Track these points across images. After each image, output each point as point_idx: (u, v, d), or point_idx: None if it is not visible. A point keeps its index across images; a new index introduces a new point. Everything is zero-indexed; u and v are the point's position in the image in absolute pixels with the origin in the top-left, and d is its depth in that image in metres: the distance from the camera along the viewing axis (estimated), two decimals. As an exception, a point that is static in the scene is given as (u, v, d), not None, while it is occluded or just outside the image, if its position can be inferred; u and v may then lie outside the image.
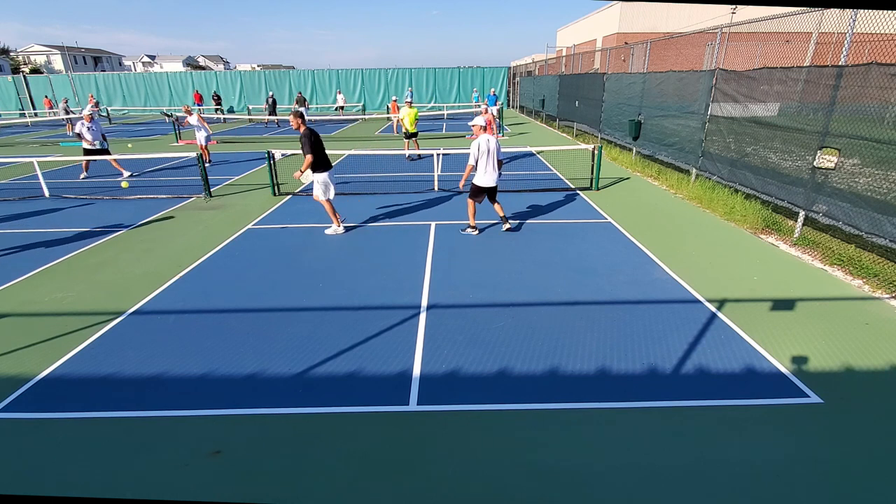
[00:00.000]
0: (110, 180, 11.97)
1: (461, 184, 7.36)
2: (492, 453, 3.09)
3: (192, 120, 13.80)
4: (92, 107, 14.25)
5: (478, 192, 7.11)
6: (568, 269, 6.01)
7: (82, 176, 12.37)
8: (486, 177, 6.93)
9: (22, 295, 5.54)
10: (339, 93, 30.63)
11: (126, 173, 12.24)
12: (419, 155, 13.85)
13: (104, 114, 30.00)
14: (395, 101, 23.03)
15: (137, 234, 7.71)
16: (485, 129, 6.93)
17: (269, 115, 24.65)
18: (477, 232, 7.29)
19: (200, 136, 13.73)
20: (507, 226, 7.32)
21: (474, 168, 6.98)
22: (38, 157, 11.06)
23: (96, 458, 3.11)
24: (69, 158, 14.11)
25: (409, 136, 13.75)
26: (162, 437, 3.28)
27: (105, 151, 12.17)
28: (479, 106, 27.11)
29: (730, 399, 3.53)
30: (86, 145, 11.87)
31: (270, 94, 27.11)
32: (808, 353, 4.09)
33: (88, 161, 12.27)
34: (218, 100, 30.08)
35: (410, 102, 15.15)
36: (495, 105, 21.95)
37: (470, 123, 7.08)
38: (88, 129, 11.84)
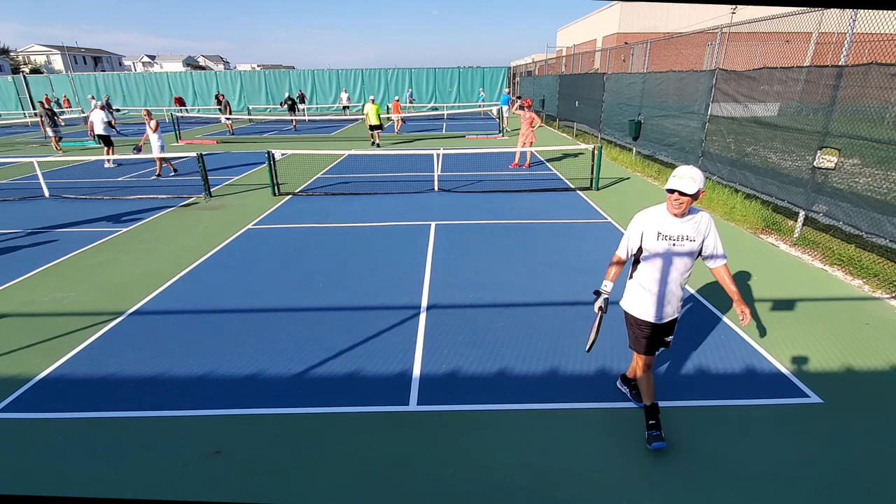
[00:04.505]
0: (110, 180, 11.98)
1: (596, 310, 3.04)
2: (491, 453, 3.09)
3: (149, 128, 11.96)
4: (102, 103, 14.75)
5: (642, 333, 3.11)
6: (568, 269, 6.01)
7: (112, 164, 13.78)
8: (648, 297, 3.02)
9: (22, 295, 5.54)
10: (345, 91, 30.60)
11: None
12: (379, 144, 17.12)
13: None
14: (398, 100, 23.19)
15: (137, 234, 7.71)
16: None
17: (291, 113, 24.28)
18: (657, 441, 3.05)
19: (155, 147, 11.93)
20: (657, 435, 3.06)
21: (632, 268, 3.15)
22: (38, 157, 11.05)
23: (96, 458, 3.11)
24: (69, 158, 14.11)
25: (374, 127, 16.91)
26: (162, 437, 3.28)
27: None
28: (483, 105, 27.10)
29: (730, 399, 3.53)
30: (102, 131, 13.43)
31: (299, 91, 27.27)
32: (808, 353, 4.08)
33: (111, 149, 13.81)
34: (223, 102, 23.52)
35: (373, 99, 17.77)
36: (507, 105, 21.96)
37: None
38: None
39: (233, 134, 22.28)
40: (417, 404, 3.55)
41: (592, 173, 10.06)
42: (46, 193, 10.22)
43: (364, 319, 4.79)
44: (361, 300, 5.21)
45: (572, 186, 10.29)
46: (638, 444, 3.14)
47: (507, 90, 31.82)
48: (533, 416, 3.41)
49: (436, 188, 10.21)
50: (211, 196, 9.98)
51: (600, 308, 3.02)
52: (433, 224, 7.83)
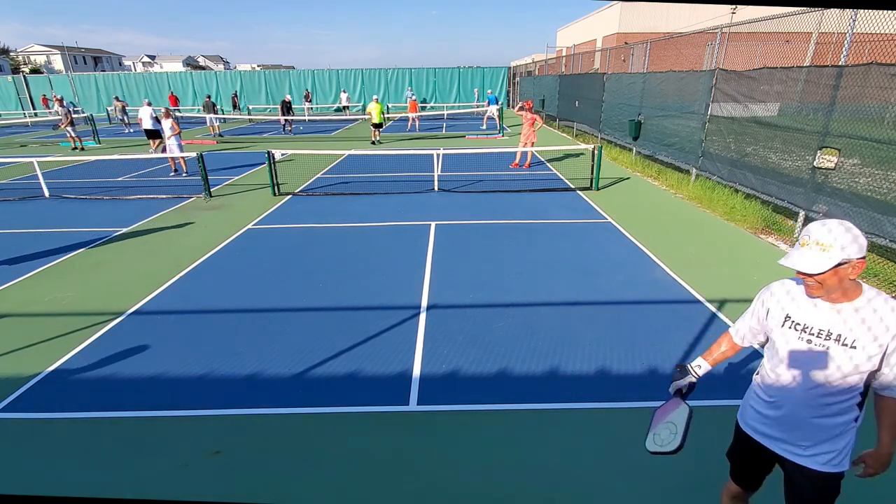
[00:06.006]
0: (110, 180, 11.98)
1: (672, 391, 2.37)
2: (492, 453, 3.09)
3: (166, 126, 12.03)
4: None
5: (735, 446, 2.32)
6: (568, 269, 6.01)
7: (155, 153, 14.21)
8: (759, 403, 2.09)
9: (22, 295, 5.54)
10: (344, 92, 30.56)
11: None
12: (380, 141, 18.15)
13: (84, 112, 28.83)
14: (415, 100, 23.29)
15: (137, 234, 7.71)
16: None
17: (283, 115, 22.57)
18: None
19: (173, 145, 11.99)
20: None
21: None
22: (38, 157, 11.06)
23: (96, 458, 3.11)
24: (69, 158, 14.08)
25: (376, 125, 17.73)
26: (162, 437, 3.28)
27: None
28: (480, 105, 27.13)
29: (731, 399, 3.53)
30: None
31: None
32: (808, 353, 4.08)
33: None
34: (208, 103, 21.89)
35: (377, 99, 18.37)
36: (496, 104, 21.99)
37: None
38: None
39: (215, 135, 20.87)
40: (417, 404, 3.55)
41: (592, 173, 10.06)
42: (46, 193, 10.21)
43: (364, 319, 4.79)
44: (361, 300, 5.21)
45: (572, 186, 10.29)
46: (638, 444, 3.13)
47: (489, 91, 31.95)
48: (533, 416, 3.41)
49: (436, 188, 10.21)
50: (211, 196, 9.98)
51: (679, 391, 2.13)
52: (433, 224, 7.83)
